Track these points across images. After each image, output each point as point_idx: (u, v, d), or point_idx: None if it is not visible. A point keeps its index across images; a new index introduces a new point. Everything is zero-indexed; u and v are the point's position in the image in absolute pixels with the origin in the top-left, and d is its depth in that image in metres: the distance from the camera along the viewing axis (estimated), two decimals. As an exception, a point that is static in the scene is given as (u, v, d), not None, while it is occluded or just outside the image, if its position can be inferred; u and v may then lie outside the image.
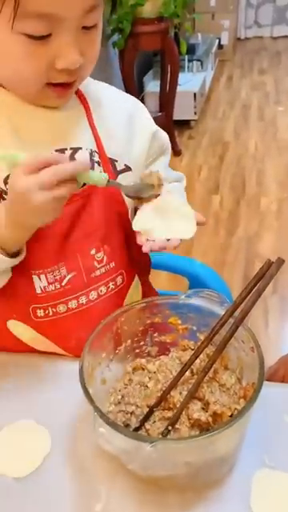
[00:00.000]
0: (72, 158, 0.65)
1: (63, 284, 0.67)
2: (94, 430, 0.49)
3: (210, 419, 0.56)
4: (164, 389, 0.60)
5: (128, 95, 0.78)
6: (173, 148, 3.00)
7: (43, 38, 0.54)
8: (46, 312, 0.68)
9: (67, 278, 0.67)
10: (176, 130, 3.14)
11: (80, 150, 0.66)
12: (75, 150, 0.66)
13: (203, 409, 0.57)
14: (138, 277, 0.78)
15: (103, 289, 0.71)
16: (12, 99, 0.62)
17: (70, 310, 0.69)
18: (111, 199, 0.69)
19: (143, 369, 0.64)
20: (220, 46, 4.53)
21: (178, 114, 3.08)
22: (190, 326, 0.64)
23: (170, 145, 0.82)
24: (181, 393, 0.58)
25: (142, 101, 3.15)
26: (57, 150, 0.64)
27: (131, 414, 0.60)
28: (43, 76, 0.58)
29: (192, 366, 0.60)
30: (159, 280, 1.81)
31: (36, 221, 0.57)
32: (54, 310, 0.69)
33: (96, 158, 0.68)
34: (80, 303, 0.70)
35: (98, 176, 0.57)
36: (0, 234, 0.58)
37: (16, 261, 0.61)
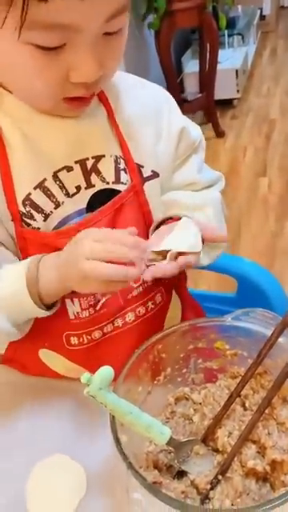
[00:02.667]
0: (95, 166, 0.58)
1: (97, 309, 0.60)
2: (125, 493, 0.42)
3: (268, 468, 0.47)
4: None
5: (153, 85, 0.68)
6: (215, 129, 2.86)
7: (55, 48, 0.45)
8: (81, 340, 0.62)
9: (101, 302, 0.60)
10: (218, 111, 2.98)
11: (103, 158, 0.58)
12: (98, 158, 0.58)
13: (258, 452, 0.48)
14: (175, 289, 0.71)
15: (141, 309, 0.64)
16: (24, 108, 0.54)
17: (105, 335, 0.63)
18: (140, 210, 0.61)
19: (187, 398, 0.56)
20: (262, 17, 4.27)
21: (219, 94, 2.92)
22: (239, 351, 0.55)
23: (203, 140, 0.71)
24: (230, 433, 0.49)
25: (181, 82, 3.08)
26: (77, 161, 0.57)
27: (172, 452, 0.52)
28: (57, 90, 0.49)
29: (244, 399, 0.51)
30: (204, 280, 1.72)
31: (84, 290, 0.53)
32: (89, 337, 0.62)
33: (122, 165, 0.59)
34: (116, 326, 0.63)
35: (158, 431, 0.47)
36: (45, 287, 0.53)
37: (50, 312, 0.55)
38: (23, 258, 0.57)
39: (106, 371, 0.43)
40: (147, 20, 2.49)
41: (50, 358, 0.64)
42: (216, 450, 0.50)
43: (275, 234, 2.13)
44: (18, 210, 0.54)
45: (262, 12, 4.26)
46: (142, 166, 0.61)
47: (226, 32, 3.19)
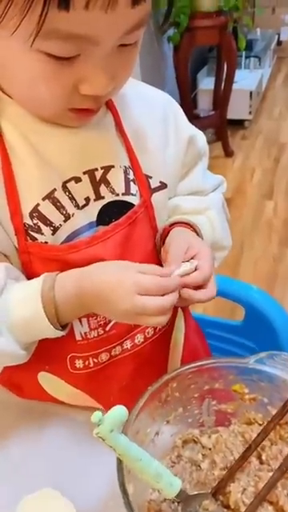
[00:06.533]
0: (104, 177, 0.54)
1: (107, 329, 0.56)
2: None
3: (286, 533, 0.42)
4: (222, 476, 0.47)
5: (160, 92, 0.64)
6: (225, 148, 2.85)
7: (68, 58, 0.42)
8: (86, 363, 0.58)
9: (112, 323, 0.56)
10: (228, 130, 2.97)
11: (113, 169, 0.54)
12: (107, 168, 0.54)
13: (275, 514, 0.44)
14: (182, 309, 0.68)
15: (150, 330, 0.60)
16: (27, 116, 0.50)
17: (112, 358, 0.59)
18: (150, 225, 0.58)
19: (195, 442, 0.52)
20: (279, 43, 4.30)
21: (231, 113, 2.91)
22: (259, 396, 0.50)
23: (207, 148, 0.68)
24: (245, 489, 0.45)
25: (195, 98, 3.07)
26: (85, 172, 0.53)
27: (179, 503, 0.47)
28: (64, 101, 0.46)
29: (261, 451, 0.47)
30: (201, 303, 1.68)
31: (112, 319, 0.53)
32: (96, 359, 0.58)
33: (131, 176, 0.56)
34: (124, 348, 0.59)
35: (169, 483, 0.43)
36: (63, 310, 0.50)
37: (65, 332, 0.52)
38: (27, 274, 0.53)
39: (119, 412, 0.39)
40: (167, 33, 2.49)
41: (49, 382, 0.60)
42: (227, 507, 0.45)
43: (277, 259, 2.10)
44: (23, 222, 0.50)
45: (279, 37, 4.29)
46: (151, 177, 0.58)
47: (243, 53, 3.19)
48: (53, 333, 0.50)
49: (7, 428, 0.62)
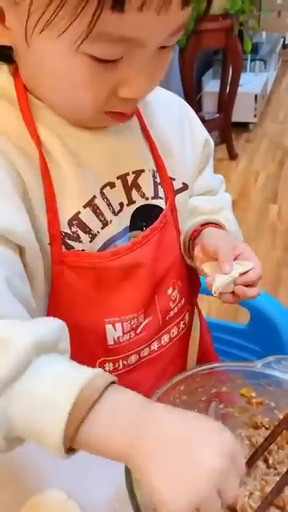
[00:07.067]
0: (135, 182, 0.54)
1: (138, 332, 0.57)
2: None
3: (293, 538, 0.42)
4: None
5: (170, 94, 0.65)
6: (229, 151, 2.85)
7: (112, 61, 0.41)
8: (116, 365, 0.58)
9: (143, 325, 0.57)
10: (233, 133, 2.97)
11: (143, 173, 0.55)
12: (138, 173, 0.55)
13: (282, 518, 0.44)
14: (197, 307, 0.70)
15: (175, 330, 0.63)
16: (62, 122, 0.50)
17: (140, 359, 0.60)
18: (176, 227, 0.60)
19: (202, 445, 0.52)
20: (284, 46, 4.31)
21: (236, 116, 2.91)
22: (266, 400, 0.51)
23: (213, 147, 0.71)
24: (251, 494, 0.45)
25: (200, 101, 3.07)
26: (118, 177, 0.53)
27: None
28: (102, 103, 0.46)
29: (267, 455, 0.47)
30: (205, 304, 1.68)
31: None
32: (125, 362, 0.58)
33: (158, 180, 0.57)
34: (152, 350, 0.60)
35: None
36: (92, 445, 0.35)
37: (67, 456, 0.36)
38: (53, 286, 0.50)
39: None
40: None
41: None
42: (233, 511, 0.45)
43: (281, 263, 2.10)
44: (60, 231, 0.49)
45: (284, 41, 4.30)
46: (174, 179, 0.59)
47: (249, 56, 3.20)
48: (53, 448, 0.35)
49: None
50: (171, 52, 0.47)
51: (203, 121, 2.84)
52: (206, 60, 3.30)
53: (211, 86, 3.16)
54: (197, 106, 2.89)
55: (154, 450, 0.32)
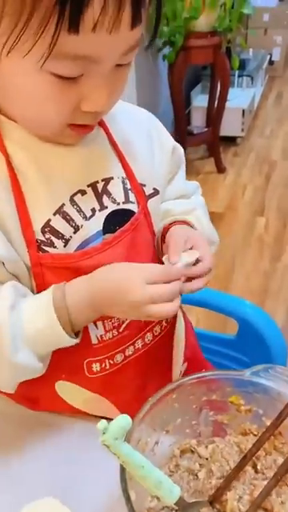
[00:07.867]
0: (105, 188, 0.58)
1: (121, 330, 0.60)
2: None
3: (281, 540, 0.44)
4: (218, 485, 0.48)
5: (141, 109, 0.70)
6: (217, 165, 2.90)
7: (73, 78, 0.46)
8: (103, 365, 0.60)
9: (125, 324, 0.59)
10: (221, 147, 3.03)
11: (112, 180, 0.59)
12: (107, 180, 0.58)
13: (270, 521, 0.46)
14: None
15: (157, 328, 0.64)
16: (30, 137, 0.54)
17: (126, 358, 0.62)
18: (149, 230, 0.63)
19: (192, 451, 0.54)
20: (271, 62, 4.41)
21: (224, 131, 2.97)
22: (254, 407, 0.53)
23: (184, 156, 0.75)
24: (240, 497, 0.47)
25: (188, 115, 3.12)
26: (89, 185, 0.57)
27: (177, 510, 0.49)
28: (67, 117, 0.50)
29: (256, 461, 0.49)
30: (194, 315, 1.70)
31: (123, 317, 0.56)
32: (111, 361, 0.61)
33: (128, 186, 0.60)
34: (136, 348, 0.62)
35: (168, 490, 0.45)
36: (76, 316, 0.52)
37: (78, 340, 0.54)
38: (37, 286, 0.55)
39: (123, 420, 0.41)
40: (162, 52, 2.54)
41: (66, 390, 0.62)
42: (223, 514, 0.47)
43: (268, 274, 2.13)
44: (35, 237, 0.53)
45: (271, 57, 4.39)
46: (144, 185, 0.63)
47: (236, 72, 3.27)
48: (68, 341, 0.52)
49: (7, 438, 0.63)
50: (128, 70, 0.51)
51: (192, 134, 2.87)
52: (195, 75, 3.36)
53: (200, 100, 3.21)
54: (186, 120, 2.94)
55: (107, 305, 0.52)
